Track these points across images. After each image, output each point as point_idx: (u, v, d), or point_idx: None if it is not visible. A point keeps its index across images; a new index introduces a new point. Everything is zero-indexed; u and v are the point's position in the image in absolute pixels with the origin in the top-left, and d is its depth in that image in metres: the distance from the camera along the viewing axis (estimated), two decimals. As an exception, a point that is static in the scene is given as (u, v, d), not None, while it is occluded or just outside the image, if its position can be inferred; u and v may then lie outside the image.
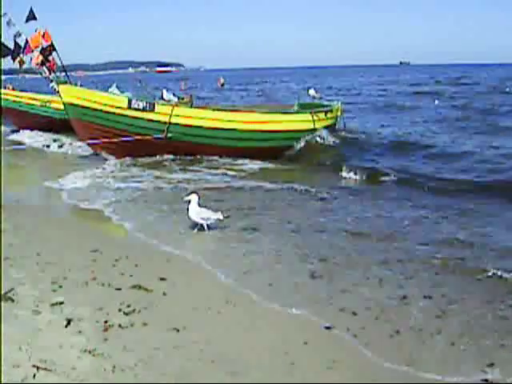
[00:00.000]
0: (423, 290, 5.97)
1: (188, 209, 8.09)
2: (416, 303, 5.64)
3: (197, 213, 8.04)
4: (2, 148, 16.14)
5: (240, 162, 14.28)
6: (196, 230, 8.11)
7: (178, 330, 4.87)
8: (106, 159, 14.75)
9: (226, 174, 12.95)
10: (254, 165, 14.01)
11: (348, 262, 6.90)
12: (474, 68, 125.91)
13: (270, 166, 14.03)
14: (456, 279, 6.33)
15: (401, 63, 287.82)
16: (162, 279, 6.13)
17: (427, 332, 5.03)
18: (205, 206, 8.24)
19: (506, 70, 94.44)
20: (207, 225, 8.11)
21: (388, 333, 5.01)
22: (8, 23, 14.82)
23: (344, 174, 12.40)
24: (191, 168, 13.66)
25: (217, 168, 13.67)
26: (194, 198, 8.07)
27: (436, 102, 31.18)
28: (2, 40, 15.18)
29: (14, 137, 21.18)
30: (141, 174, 13.05)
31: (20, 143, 19.24)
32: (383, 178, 11.78)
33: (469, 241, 7.58)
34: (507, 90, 40.31)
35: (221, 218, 8.14)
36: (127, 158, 14.64)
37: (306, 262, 6.89)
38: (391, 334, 4.98)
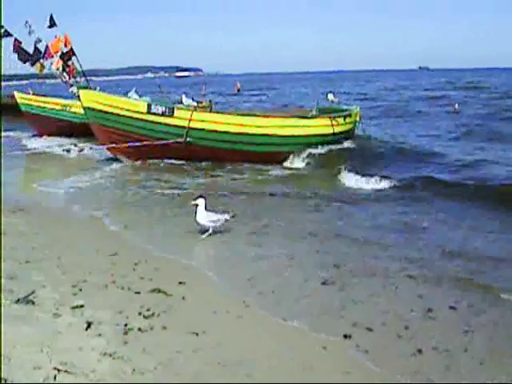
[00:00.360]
0: (447, 300, 5.77)
1: (196, 213, 8.02)
2: (440, 316, 5.39)
3: (205, 217, 7.97)
4: (2, 153, 16.31)
5: (260, 167, 14.33)
6: (206, 234, 8.05)
7: (197, 334, 4.87)
8: (121, 162, 14.94)
9: (242, 179, 13.06)
10: (274, 170, 14.05)
11: (363, 268, 6.78)
12: (496, 71, 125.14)
13: (288, 171, 14.04)
14: (480, 289, 6.10)
15: (420, 68, 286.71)
16: (181, 283, 6.14)
17: (453, 350, 4.71)
18: (212, 210, 8.17)
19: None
20: (215, 229, 8.05)
21: (409, 352, 4.71)
22: (29, 31, 15.00)
23: (361, 180, 12.20)
24: (211, 173, 13.77)
25: (234, 173, 13.75)
26: (201, 202, 7.98)
27: (456, 106, 30.97)
28: (23, 46, 15.37)
29: (33, 141, 21.29)
30: (155, 177, 13.20)
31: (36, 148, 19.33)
32: (400, 185, 11.59)
33: (488, 249, 7.43)
34: None
35: (228, 218, 8.09)
36: (139, 162, 14.90)
37: (317, 268, 6.81)
38: (413, 353, 4.68)
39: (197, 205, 7.99)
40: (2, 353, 4.23)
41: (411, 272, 6.62)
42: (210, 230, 8.03)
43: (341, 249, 7.60)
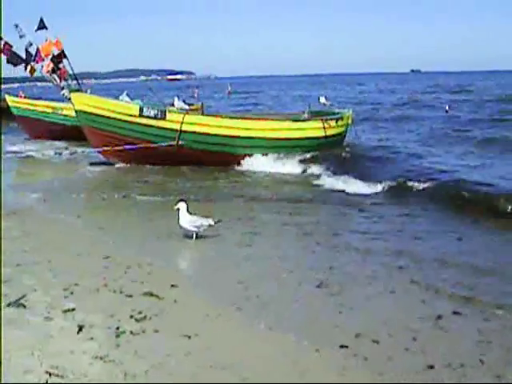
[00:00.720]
0: (451, 305, 5.59)
1: (178, 218, 7.91)
2: (448, 324, 5.14)
3: (189, 221, 7.86)
4: (2, 155, 16.26)
5: (251, 170, 14.37)
6: (193, 238, 7.96)
7: (190, 337, 4.86)
8: (113, 165, 14.96)
9: (233, 182, 13.13)
10: (264, 174, 14.07)
11: (360, 272, 6.69)
12: (488, 74, 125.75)
13: (280, 175, 14.02)
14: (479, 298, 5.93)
15: (412, 71, 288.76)
16: (173, 286, 6.13)
17: (467, 365, 4.39)
18: (195, 214, 8.02)
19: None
20: (198, 233, 7.94)
21: (420, 367, 4.38)
22: (20, 34, 14.93)
23: (354, 183, 12.10)
24: (200, 176, 13.77)
25: (225, 176, 13.81)
26: (182, 206, 7.88)
27: (447, 107, 31.06)
28: (15, 49, 15.31)
29: (25, 144, 21.17)
30: (145, 179, 13.30)
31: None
32: (393, 189, 11.49)
33: (479, 260, 7.18)
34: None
35: (212, 223, 7.95)
36: (130, 165, 14.97)
37: (312, 270, 6.77)
38: (423, 369, 4.36)
39: (179, 209, 7.92)
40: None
41: (412, 276, 6.49)
42: (194, 235, 7.96)
43: (336, 251, 7.56)
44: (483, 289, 6.11)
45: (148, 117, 14.45)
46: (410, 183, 11.58)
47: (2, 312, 5.23)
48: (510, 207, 9.19)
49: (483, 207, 9.66)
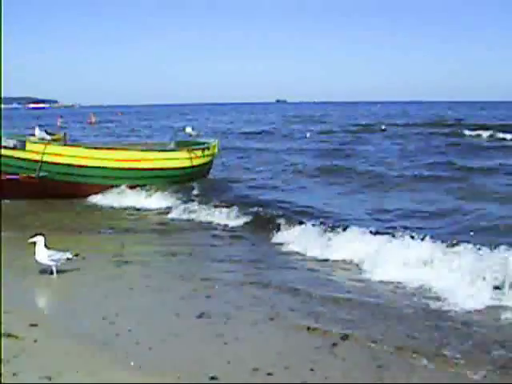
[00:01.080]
0: (339, 329, 5.69)
1: (35, 252, 7.59)
2: (344, 351, 5.19)
3: (46, 256, 7.56)
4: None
5: (109, 202, 14.05)
6: (54, 273, 7.67)
7: (51, 378, 4.67)
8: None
9: (96, 215, 12.88)
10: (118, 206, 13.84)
11: (241, 300, 6.70)
12: (345, 105, 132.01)
13: (150, 207, 13.88)
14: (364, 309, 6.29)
15: (277, 101, 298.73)
16: (33, 325, 5.86)
17: None
18: (52, 248, 7.71)
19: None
20: (57, 267, 7.67)
21: None
22: None
23: (218, 213, 12.13)
24: (57, 209, 13.37)
25: (94, 208, 13.49)
26: (40, 239, 7.59)
27: (308, 134, 32.12)
28: None
29: None
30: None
31: None
32: (252, 220, 11.56)
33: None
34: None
35: (70, 256, 7.71)
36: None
37: (191, 299, 6.76)
38: None
39: (35, 243, 7.61)
40: None
41: (290, 305, 6.56)
42: (54, 269, 7.68)
43: (211, 281, 7.49)
44: (356, 314, 6.29)
45: (6, 147, 13.80)
46: (271, 213, 11.68)
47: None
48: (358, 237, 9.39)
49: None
